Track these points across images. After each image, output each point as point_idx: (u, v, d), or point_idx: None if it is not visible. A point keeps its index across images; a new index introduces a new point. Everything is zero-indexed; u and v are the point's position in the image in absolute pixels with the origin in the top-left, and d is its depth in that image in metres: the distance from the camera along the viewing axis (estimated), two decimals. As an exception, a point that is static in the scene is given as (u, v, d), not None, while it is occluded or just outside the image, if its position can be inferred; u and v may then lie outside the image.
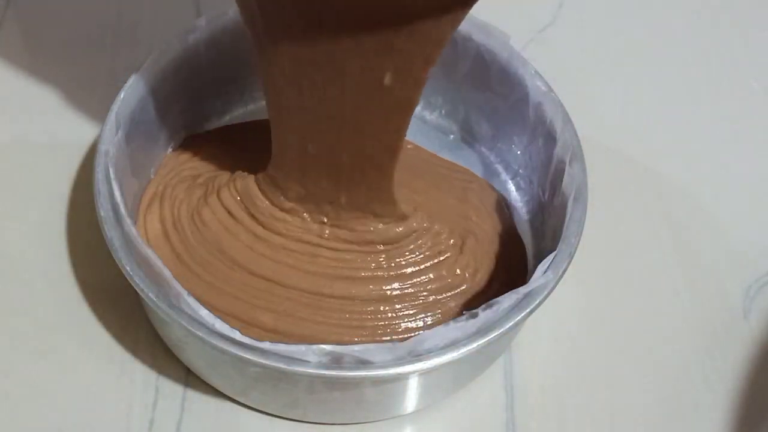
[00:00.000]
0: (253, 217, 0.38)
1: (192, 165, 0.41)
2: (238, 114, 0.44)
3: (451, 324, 0.32)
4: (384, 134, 0.33)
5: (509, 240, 0.40)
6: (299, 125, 0.35)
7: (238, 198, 0.38)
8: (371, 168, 0.35)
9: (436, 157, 0.43)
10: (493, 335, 0.32)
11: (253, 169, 0.38)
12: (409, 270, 0.37)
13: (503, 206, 0.41)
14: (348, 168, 0.35)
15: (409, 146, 0.43)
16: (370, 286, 0.37)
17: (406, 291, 0.37)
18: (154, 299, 0.32)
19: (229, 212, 0.38)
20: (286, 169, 0.36)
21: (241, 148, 0.41)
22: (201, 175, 0.40)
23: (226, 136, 0.43)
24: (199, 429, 0.36)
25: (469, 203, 0.40)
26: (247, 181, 0.38)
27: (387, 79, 0.31)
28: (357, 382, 0.33)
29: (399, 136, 0.34)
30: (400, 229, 0.37)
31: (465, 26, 0.40)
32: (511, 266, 0.39)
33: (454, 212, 0.40)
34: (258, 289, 0.36)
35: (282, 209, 0.37)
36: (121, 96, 0.37)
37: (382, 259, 0.37)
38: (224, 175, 0.39)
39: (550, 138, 0.38)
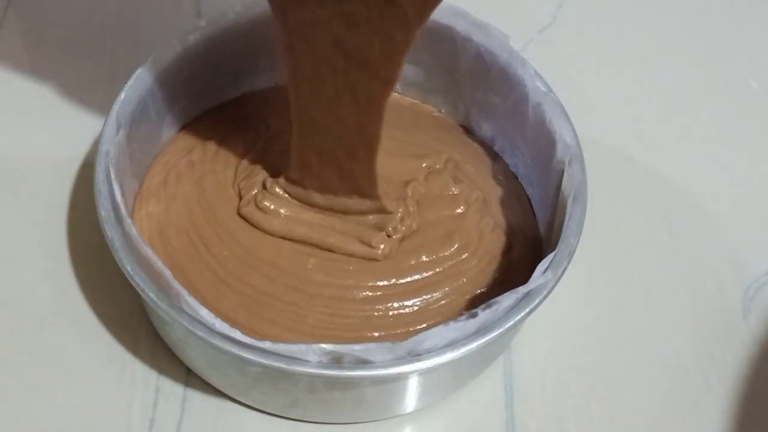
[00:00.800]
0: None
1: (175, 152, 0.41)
2: (238, 114, 0.44)
3: (451, 324, 0.32)
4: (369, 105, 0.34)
5: (531, 234, 0.40)
6: (313, 114, 0.35)
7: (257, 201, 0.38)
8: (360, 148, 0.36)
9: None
10: (493, 335, 0.32)
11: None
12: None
13: (523, 196, 0.42)
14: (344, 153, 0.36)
15: (435, 113, 0.44)
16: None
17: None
18: (155, 299, 0.32)
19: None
20: (306, 165, 0.37)
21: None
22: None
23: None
24: (199, 428, 0.36)
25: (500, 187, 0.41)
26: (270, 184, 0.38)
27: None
28: (357, 382, 0.33)
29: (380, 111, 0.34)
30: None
31: (465, 26, 0.41)
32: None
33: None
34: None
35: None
36: (122, 96, 0.37)
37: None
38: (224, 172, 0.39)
39: (550, 138, 0.38)
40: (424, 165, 0.40)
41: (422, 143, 0.42)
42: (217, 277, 0.36)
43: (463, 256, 0.38)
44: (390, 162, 0.38)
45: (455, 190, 0.39)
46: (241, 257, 0.37)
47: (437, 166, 0.40)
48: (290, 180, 0.38)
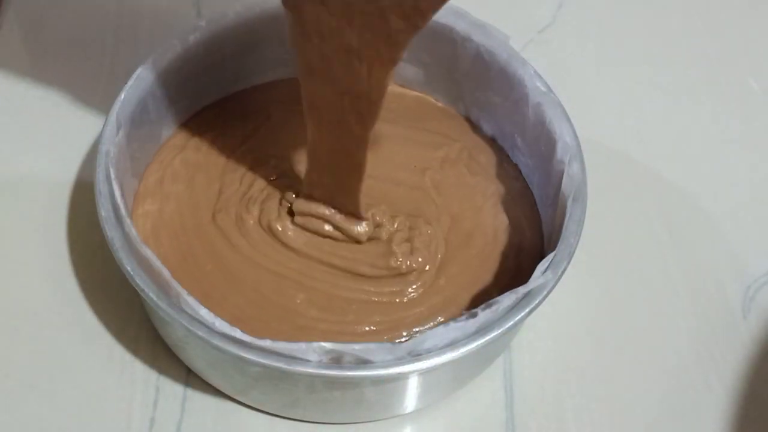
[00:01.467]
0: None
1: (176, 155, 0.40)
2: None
3: (451, 324, 0.32)
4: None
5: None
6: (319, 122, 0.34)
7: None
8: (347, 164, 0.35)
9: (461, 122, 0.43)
10: (493, 335, 0.32)
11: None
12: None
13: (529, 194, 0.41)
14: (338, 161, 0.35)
15: (439, 104, 0.43)
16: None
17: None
18: (155, 299, 0.32)
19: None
20: (315, 178, 0.36)
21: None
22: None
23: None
24: (199, 428, 0.36)
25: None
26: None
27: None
28: (357, 382, 0.33)
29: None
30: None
31: (465, 26, 0.41)
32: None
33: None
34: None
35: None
36: (122, 96, 0.37)
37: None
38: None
39: (550, 138, 0.38)
40: (438, 154, 0.40)
41: (433, 131, 0.41)
42: (204, 294, 0.35)
43: (481, 259, 0.37)
44: (404, 149, 0.38)
45: (471, 181, 0.39)
46: (224, 274, 0.36)
47: (452, 156, 0.40)
48: (303, 194, 0.37)
